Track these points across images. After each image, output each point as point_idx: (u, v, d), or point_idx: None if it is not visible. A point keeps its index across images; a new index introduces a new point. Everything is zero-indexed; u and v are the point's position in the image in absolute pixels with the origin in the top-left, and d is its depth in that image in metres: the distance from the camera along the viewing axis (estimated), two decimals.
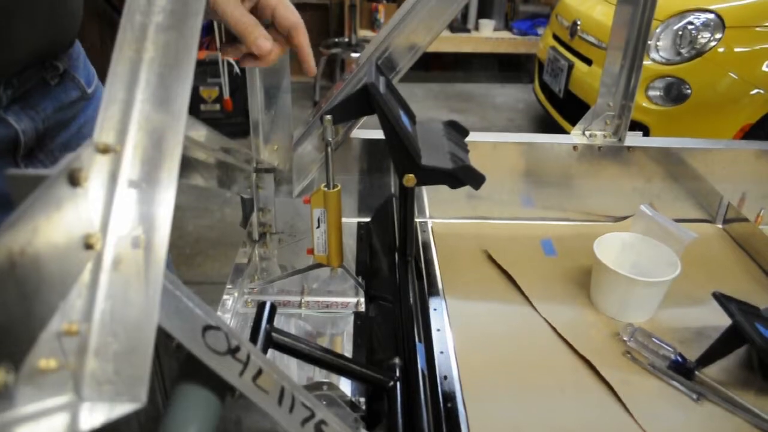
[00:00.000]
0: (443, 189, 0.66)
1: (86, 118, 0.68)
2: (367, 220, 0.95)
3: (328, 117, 0.67)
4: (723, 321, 0.67)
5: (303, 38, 0.59)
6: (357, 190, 0.96)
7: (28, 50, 0.58)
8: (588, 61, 2.60)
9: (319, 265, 0.76)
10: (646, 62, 2.20)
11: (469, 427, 0.61)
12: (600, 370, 0.68)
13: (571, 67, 2.69)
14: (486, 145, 0.95)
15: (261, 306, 0.54)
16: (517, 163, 0.98)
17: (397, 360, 0.59)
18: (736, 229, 0.98)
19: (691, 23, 2.19)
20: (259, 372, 0.34)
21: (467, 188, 0.66)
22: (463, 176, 0.65)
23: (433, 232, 0.96)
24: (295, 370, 0.64)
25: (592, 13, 2.65)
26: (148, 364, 0.24)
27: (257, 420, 0.46)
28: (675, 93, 2.23)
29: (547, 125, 3.28)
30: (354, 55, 3.68)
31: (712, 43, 2.15)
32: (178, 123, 0.30)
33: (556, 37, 2.98)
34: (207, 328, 0.31)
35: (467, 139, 0.81)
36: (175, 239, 2.30)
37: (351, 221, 0.95)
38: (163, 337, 0.28)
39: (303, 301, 0.78)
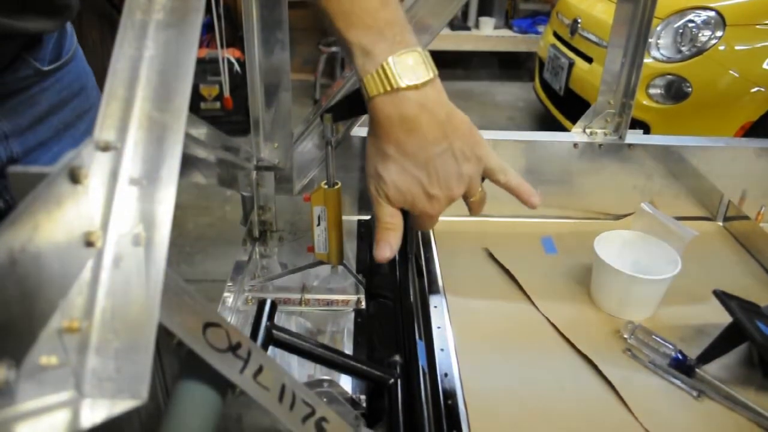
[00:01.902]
0: None
1: (41, 89, 0.67)
2: (368, 217, 0.95)
3: (329, 115, 0.67)
4: (724, 318, 0.67)
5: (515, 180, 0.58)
6: (357, 187, 0.96)
7: None
8: (588, 59, 2.60)
9: (319, 263, 0.76)
10: (647, 60, 2.20)
11: (470, 424, 0.61)
12: (600, 367, 0.69)
13: (571, 65, 2.68)
14: (486, 143, 0.95)
15: (261, 303, 0.54)
16: (518, 161, 0.98)
17: (397, 357, 0.59)
18: (737, 226, 0.98)
19: (691, 21, 2.19)
20: (260, 369, 0.34)
21: None
22: None
23: (433, 229, 0.96)
24: (296, 368, 0.64)
25: (593, 11, 2.65)
26: (149, 361, 0.24)
27: (258, 417, 0.46)
28: (675, 91, 2.23)
29: (547, 123, 3.28)
30: None
31: (713, 41, 2.15)
32: (179, 121, 0.30)
33: (556, 35, 2.98)
34: (208, 325, 0.31)
35: None
36: (176, 237, 2.30)
37: (351, 219, 0.95)
38: (164, 335, 0.28)
39: (303, 298, 0.78)
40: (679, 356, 0.68)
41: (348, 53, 0.51)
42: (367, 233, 0.92)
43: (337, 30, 0.50)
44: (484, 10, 4.23)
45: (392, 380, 0.56)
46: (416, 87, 0.49)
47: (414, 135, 0.51)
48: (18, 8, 0.59)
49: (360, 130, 0.91)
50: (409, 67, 0.49)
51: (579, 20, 2.69)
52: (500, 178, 0.56)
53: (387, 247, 0.55)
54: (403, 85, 0.48)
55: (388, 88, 0.49)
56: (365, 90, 0.50)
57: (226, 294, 0.76)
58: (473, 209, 0.58)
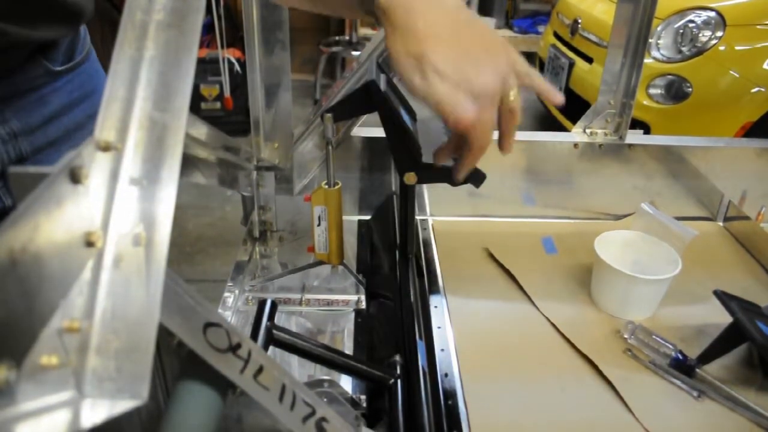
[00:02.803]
0: (444, 187, 0.66)
1: (53, 89, 0.67)
2: (368, 217, 0.95)
3: (329, 115, 0.67)
4: (724, 319, 0.67)
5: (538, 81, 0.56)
6: (358, 188, 0.96)
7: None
8: (589, 60, 2.60)
9: (319, 263, 0.76)
10: (647, 60, 2.19)
11: (470, 424, 0.61)
12: (601, 367, 0.69)
13: (571, 65, 2.68)
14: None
15: (262, 303, 0.54)
16: (518, 161, 0.98)
17: (397, 357, 0.59)
18: (737, 226, 0.98)
19: (692, 21, 2.19)
20: (260, 369, 0.34)
21: (468, 186, 0.66)
22: None
23: (433, 229, 0.96)
24: (296, 368, 0.64)
25: (593, 11, 2.64)
26: (149, 361, 0.24)
27: (258, 417, 0.46)
28: (676, 91, 2.23)
29: (547, 123, 3.28)
30: (354, 53, 3.68)
31: (713, 41, 2.15)
32: (179, 121, 0.30)
33: (556, 35, 2.98)
34: (208, 325, 0.31)
35: None
36: (176, 237, 2.30)
37: (352, 219, 0.95)
38: (164, 335, 0.28)
39: (304, 298, 0.78)
40: (680, 356, 0.68)
41: None
42: (367, 233, 0.92)
43: None
44: (484, 10, 4.22)
45: (392, 380, 0.56)
46: None
47: (435, 6, 0.51)
48: (32, 17, 0.59)
49: (360, 130, 0.91)
50: None
51: (579, 20, 2.68)
52: (525, 81, 0.55)
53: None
54: None
55: None
56: None
57: (226, 294, 0.76)
58: (508, 121, 0.56)
